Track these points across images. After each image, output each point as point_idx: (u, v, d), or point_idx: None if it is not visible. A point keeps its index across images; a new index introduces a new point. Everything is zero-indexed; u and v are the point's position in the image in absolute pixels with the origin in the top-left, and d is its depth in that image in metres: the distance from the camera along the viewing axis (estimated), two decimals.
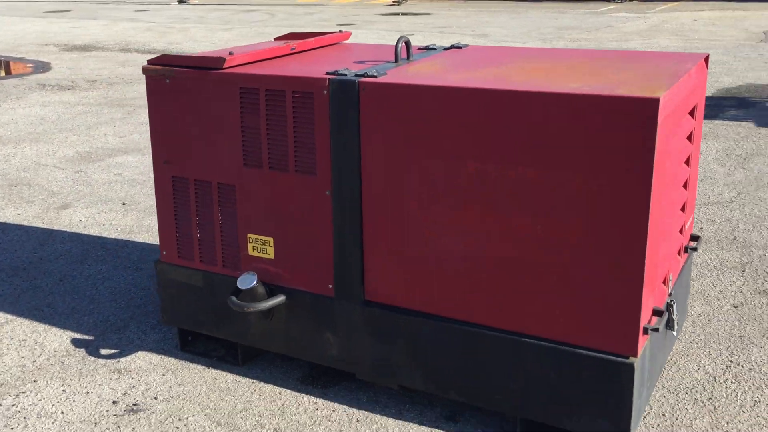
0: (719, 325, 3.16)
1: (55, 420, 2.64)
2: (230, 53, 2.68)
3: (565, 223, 2.17)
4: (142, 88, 8.88)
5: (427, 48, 3.01)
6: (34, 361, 3.03)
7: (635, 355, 2.17)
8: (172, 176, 2.84)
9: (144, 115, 7.46)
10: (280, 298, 2.68)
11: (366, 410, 2.64)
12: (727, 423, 2.51)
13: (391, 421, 2.57)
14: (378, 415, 2.61)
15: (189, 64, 2.69)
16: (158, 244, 4.16)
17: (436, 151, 2.31)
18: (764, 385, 2.72)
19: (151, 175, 5.48)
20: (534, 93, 2.13)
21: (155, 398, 2.76)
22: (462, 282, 2.37)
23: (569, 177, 2.13)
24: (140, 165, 5.75)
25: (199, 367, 2.95)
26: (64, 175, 5.54)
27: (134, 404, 2.73)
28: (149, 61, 2.79)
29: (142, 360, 3.02)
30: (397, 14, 17.42)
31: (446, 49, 2.98)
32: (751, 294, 3.43)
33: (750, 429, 2.47)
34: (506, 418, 2.54)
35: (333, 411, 2.64)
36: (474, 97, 2.21)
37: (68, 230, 4.45)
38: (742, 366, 2.85)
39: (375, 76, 2.39)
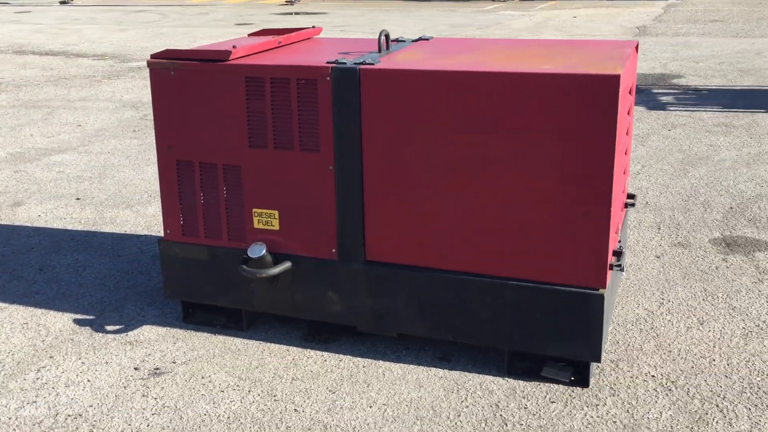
0: (648, 272, 3.72)
1: (84, 387, 2.87)
2: (234, 47, 2.98)
3: (544, 181, 2.61)
4: (53, 90, 8.82)
5: (396, 40, 3.40)
6: (43, 341, 3.22)
7: (604, 287, 2.65)
8: (177, 160, 3.11)
9: (66, 116, 7.47)
10: (287, 264, 3.01)
11: (368, 358, 3.01)
12: (669, 344, 3.04)
13: (393, 364, 2.96)
14: (380, 361, 2.98)
15: (195, 57, 2.98)
16: (126, 233, 4.37)
17: (430, 126, 2.71)
18: (692, 314, 3.28)
19: (98, 171, 5.60)
20: (517, 73, 2.57)
21: (173, 362, 3.03)
22: (454, 237, 2.78)
23: (547, 142, 2.58)
24: (80, 162, 5.85)
25: (206, 334, 3.23)
26: (4, 174, 5.57)
27: (156, 368, 2.99)
28: (152, 56, 3.05)
29: (149, 332, 3.26)
30: (292, 14, 17.67)
31: (414, 41, 3.38)
32: (668, 246, 4.02)
33: (687, 348, 3.01)
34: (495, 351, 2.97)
35: (340, 360, 3.00)
36: (463, 78, 2.63)
37: (30, 225, 4.56)
38: (672, 302, 3.40)
39: (372, 64, 2.77)
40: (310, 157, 2.90)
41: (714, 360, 2.93)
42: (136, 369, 2.99)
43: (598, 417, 2.60)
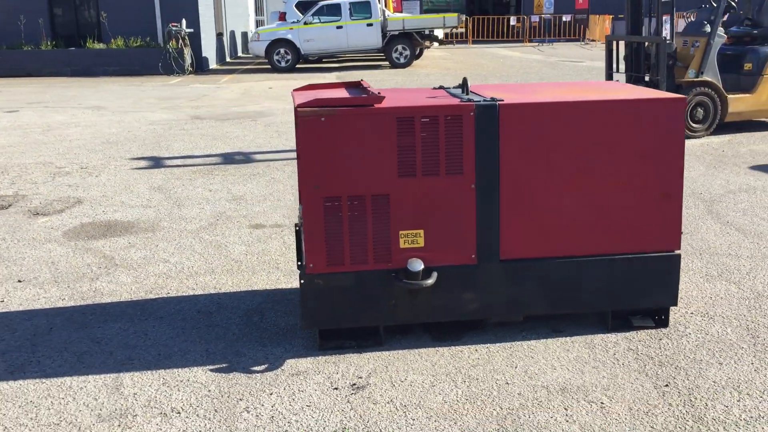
0: None
1: (315, 410, 3.04)
2: (379, 93, 3.44)
3: (639, 176, 3.59)
4: None
5: (442, 87, 4.10)
6: (209, 391, 3.22)
7: (679, 248, 3.70)
8: (323, 198, 3.42)
9: None
10: (436, 274, 3.52)
11: (505, 342, 3.63)
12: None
13: (528, 342, 3.62)
14: (516, 342, 3.63)
15: (348, 104, 3.37)
16: (133, 300, 4.29)
17: (550, 143, 3.51)
18: None
19: (6, 253, 5.07)
20: (615, 100, 3.53)
21: (360, 377, 3.31)
22: (572, 229, 3.60)
23: (640, 147, 3.56)
24: None
25: (353, 355, 3.52)
26: None
27: (352, 384, 3.25)
28: (299, 105, 3.36)
29: (300, 364, 3.45)
30: None
31: (458, 86, 4.11)
32: None
33: (690, 295, 4.19)
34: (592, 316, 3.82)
35: (488, 348, 3.58)
36: (576, 106, 3.51)
37: (4, 310, 4.13)
38: None
39: (503, 100, 3.49)
40: (455, 180, 3.49)
41: (711, 298, 4.14)
42: (336, 389, 3.22)
43: (696, 340, 3.62)
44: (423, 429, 2.91)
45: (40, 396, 3.20)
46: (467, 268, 3.58)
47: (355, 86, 4.09)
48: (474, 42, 31.40)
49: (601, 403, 3.07)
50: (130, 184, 7.18)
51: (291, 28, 20.68)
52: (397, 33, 20.57)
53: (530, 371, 3.35)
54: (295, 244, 4.65)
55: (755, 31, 9.45)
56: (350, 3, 20.59)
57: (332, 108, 3.37)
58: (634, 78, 9.09)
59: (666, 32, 8.81)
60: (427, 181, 3.48)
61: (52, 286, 4.48)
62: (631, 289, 3.70)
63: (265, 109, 12.63)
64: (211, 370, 3.41)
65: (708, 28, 8.97)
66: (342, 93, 3.78)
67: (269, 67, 20.85)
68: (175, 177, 7.45)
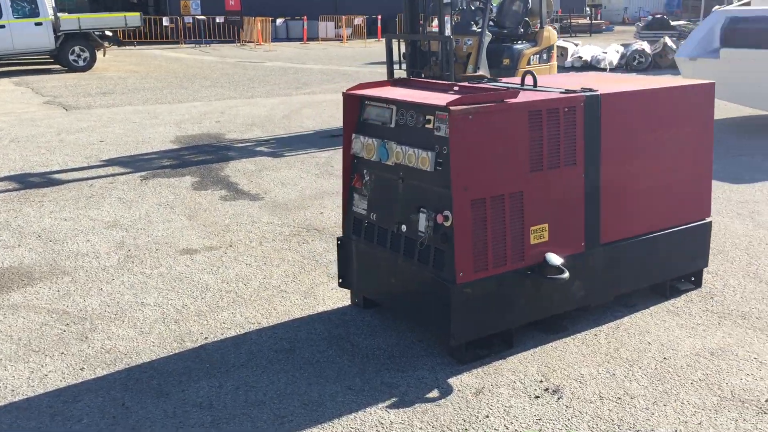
0: None
1: (519, 410, 2.88)
2: (510, 88, 3.30)
3: (689, 154, 3.97)
4: None
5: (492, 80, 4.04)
6: (420, 429, 2.84)
7: (710, 216, 4.17)
8: (471, 200, 3.21)
9: None
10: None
11: (605, 324, 3.76)
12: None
13: (621, 320, 3.81)
14: (613, 322, 3.78)
15: (490, 100, 3.20)
16: (171, 354, 3.61)
17: (634, 129, 3.73)
18: None
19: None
20: (675, 87, 3.87)
21: (541, 381, 3.20)
22: (649, 207, 3.86)
23: (685, 130, 3.94)
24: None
25: (498, 362, 3.37)
26: None
27: (545, 389, 3.14)
28: (450, 103, 3.09)
29: (467, 381, 3.21)
30: None
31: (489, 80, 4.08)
32: None
33: None
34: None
35: (604, 333, 3.68)
36: (651, 93, 3.77)
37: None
38: None
39: (598, 90, 3.60)
40: (570, 171, 3.52)
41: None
42: (537, 397, 3.08)
43: (735, 293, 4.13)
44: (665, 412, 2.95)
45: None
46: (579, 257, 3.64)
47: (404, 82, 3.86)
48: (126, 44, 29.72)
49: (754, 358, 3.40)
50: None
51: None
52: (71, 33, 18.68)
53: (665, 344, 3.55)
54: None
55: (505, 31, 10.62)
56: None
57: (478, 105, 3.18)
58: (414, 73, 9.63)
59: (448, 31, 9.49)
60: (551, 174, 3.46)
61: (135, 328, 3.45)
62: (682, 258, 4.09)
63: None
64: (388, 407, 3.00)
65: (476, 28, 9.87)
66: (410, 92, 3.55)
67: None
68: None
